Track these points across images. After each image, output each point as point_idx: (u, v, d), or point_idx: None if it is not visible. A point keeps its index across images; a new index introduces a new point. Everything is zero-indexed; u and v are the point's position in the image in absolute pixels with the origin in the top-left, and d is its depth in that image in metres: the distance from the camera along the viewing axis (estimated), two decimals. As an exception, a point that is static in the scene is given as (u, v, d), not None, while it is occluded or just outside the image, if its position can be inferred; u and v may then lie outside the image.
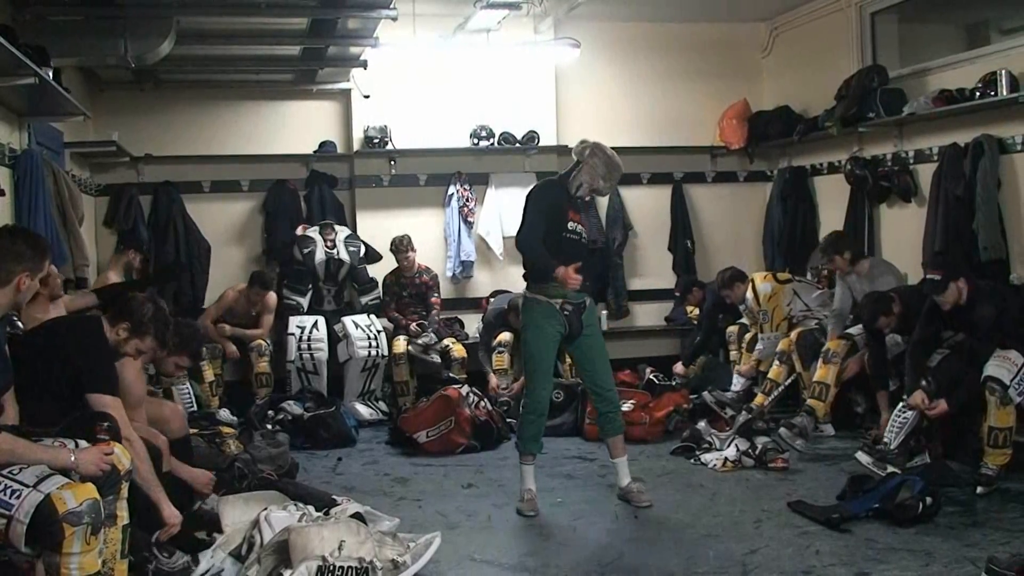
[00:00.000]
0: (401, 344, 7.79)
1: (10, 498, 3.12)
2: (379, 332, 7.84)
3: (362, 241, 8.24)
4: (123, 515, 3.55)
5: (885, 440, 5.57)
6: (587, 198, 5.34)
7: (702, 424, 6.48)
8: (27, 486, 3.15)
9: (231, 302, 7.71)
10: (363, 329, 7.80)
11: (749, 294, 7.37)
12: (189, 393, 6.71)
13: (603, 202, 8.80)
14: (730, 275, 7.52)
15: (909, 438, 5.53)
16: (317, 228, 8.11)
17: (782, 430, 6.20)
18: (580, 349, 5.31)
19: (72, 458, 3.33)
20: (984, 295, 5.40)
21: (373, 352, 7.70)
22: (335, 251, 8.07)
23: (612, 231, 8.85)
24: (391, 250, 8.00)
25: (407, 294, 8.09)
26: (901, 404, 5.61)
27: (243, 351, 7.64)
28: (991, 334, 5.27)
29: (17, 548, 3.16)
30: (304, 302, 8.01)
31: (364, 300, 8.23)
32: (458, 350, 7.91)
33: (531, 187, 5.52)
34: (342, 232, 8.19)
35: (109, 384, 3.85)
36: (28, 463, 3.24)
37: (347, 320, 7.88)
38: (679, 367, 7.87)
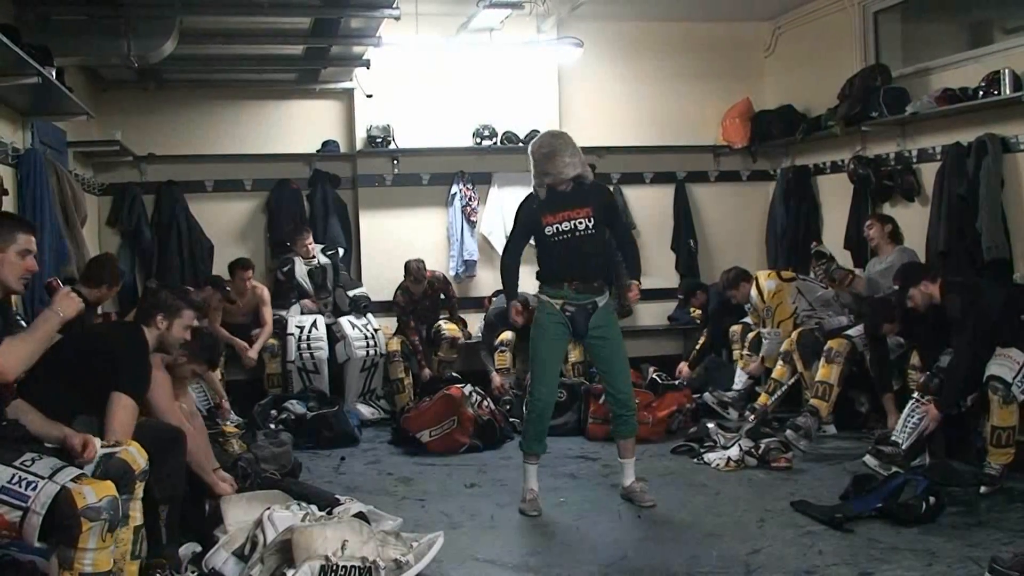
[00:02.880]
0: (395, 342, 7.77)
1: (25, 490, 3.15)
2: (376, 331, 7.83)
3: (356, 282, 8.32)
4: (136, 516, 3.57)
5: (895, 439, 5.55)
6: (585, 186, 5.12)
7: (711, 425, 6.48)
8: (42, 477, 3.18)
9: (222, 300, 7.64)
10: (360, 329, 7.79)
11: (754, 292, 7.37)
12: (204, 391, 6.71)
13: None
14: (734, 275, 7.54)
15: (918, 440, 5.52)
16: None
17: (788, 432, 6.19)
18: (596, 350, 5.27)
19: (59, 312, 3.43)
20: (952, 287, 5.42)
21: (371, 351, 7.70)
22: (315, 260, 8.09)
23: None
24: (410, 275, 7.83)
25: (422, 307, 8.03)
26: (911, 404, 5.58)
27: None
28: (963, 323, 5.27)
29: (30, 543, 3.17)
30: (286, 315, 7.93)
31: (352, 294, 8.12)
32: (450, 329, 7.93)
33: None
34: (317, 246, 8.22)
35: (136, 388, 3.90)
36: (31, 349, 3.34)
37: (343, 321, 7.88)
38: (684, 368, 7.88)
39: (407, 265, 7.86)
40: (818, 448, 6.26)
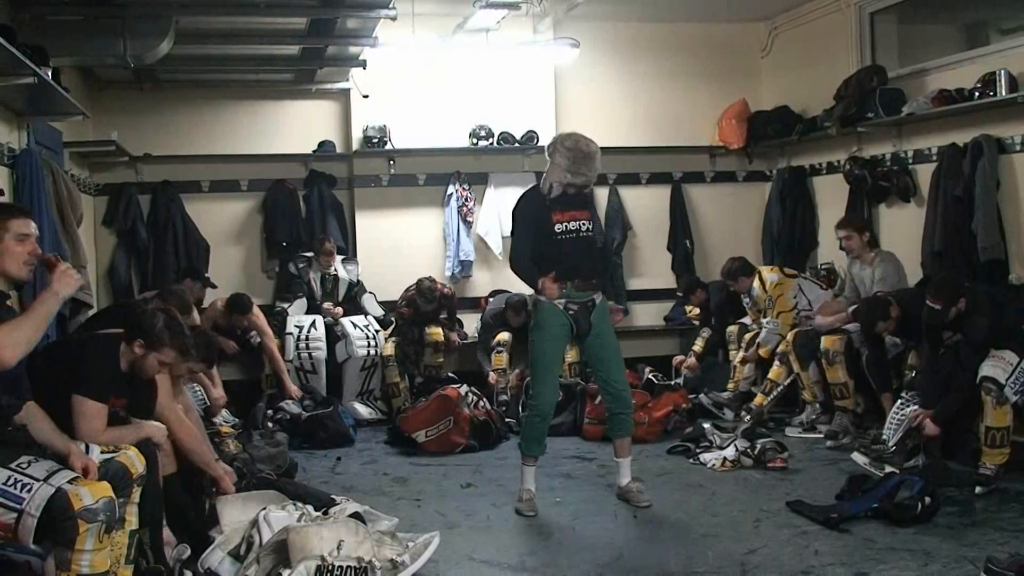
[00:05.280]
0: (390, 346, 7.76)
1: (20, 491, 3.16)
2: (377, 332, 7.84)
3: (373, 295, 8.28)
4: (132, 520, 3.56)
5: (884, 438, 5.59)
6: (585, 191, 5.19)
7: (707, 425, 6.49)
8: (37, 480, 3.20)
9: (218, 315, 7.44)
10: (361, 328, 7.80)
11: (756, 283, 7.36)
12: (201, 392, 6.69)
13: (602, 201, 8.81)
14: (739, 265, 7.48)
15: (906, 437, 5.54)
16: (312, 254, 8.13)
17: (828, 442, 6.36)
18: (592, 348, 5.26)
19: (57, 292, 3.36)
20: (979, 305, 5.35)
21: (372, 351, 7.71)
22: (331, 269, 8.08)
23: (611, 231, 8.85)
24: (423, 296, 7.69)
25: (424, 318, 7.93)
26: (900, 402, 5.63)
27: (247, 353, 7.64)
28: (984, 343, 5.26)
29: (25, 544, 3.19)
30: (289, 308, 7.90)
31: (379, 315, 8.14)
32: (434, 333, 7.84)
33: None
34: (339, 257, 8.19)
35: (96, 392, 3.81)
36: (28, 334, 3.26)
37: (345, 320, 7.88)
38: (691, 362, 7.88)
39: (420, 285, 7.72)
40: (814, 448, 6.28)
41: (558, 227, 5.06)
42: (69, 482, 3.21)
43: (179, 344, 4.06)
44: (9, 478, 3.18)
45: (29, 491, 3.16)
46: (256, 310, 7.51)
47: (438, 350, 7.85)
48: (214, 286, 7.62)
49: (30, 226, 3.54)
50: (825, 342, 6.58)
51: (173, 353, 4.05)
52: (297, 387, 7.44)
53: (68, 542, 3.16)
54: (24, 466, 3.23)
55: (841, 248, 7.06)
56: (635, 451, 5.52)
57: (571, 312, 5.11)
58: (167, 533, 4.15)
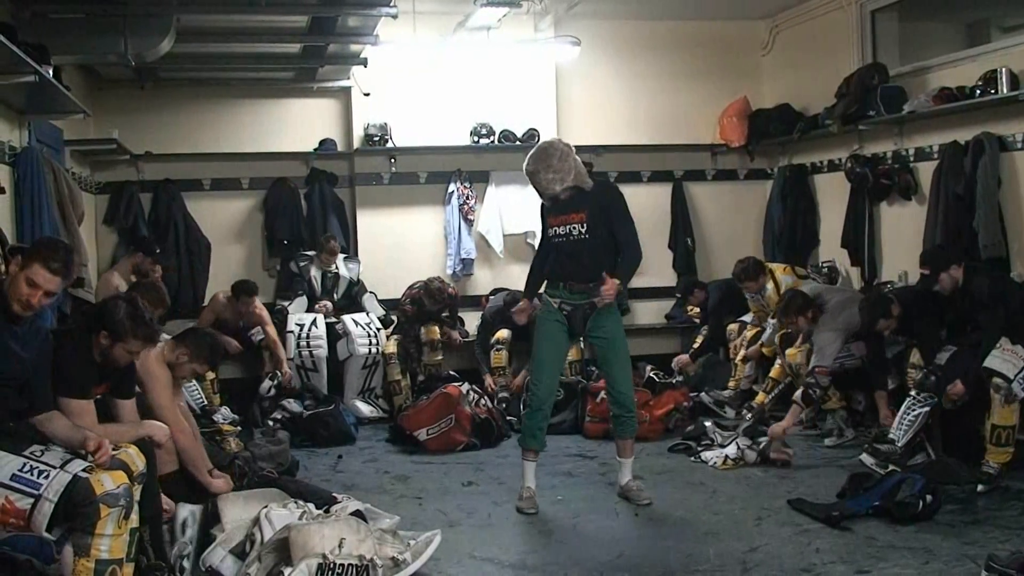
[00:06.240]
0: (392, 344, 7.77)
1: (38, 478, 3.24)
2: (379, 330, 7.84)
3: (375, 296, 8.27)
4: (133, 518, 3.57)
5: (891, 437, 5.57)
6: (584, 190, 5.18)
7: (709, 423, 6.49)
8: (54, 467, 3.28)
9: (221, 308, 7.50)
10: (363, 327, 7.79)
11: (770, 284, 7.32)
12: (198, 390, 6.68)
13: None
14: (752, 264, 7.35)
15: (915, 437, 5.53)
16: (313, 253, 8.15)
17: (826, 440, 6.40)
18: (598, 349, 5.36)
19: None
20: (976, 270, 5.46)
21: (374, 349, 7.70)
22: (332, 267, 8.08)
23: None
24: (431, 296, 7.75)
25: (427, 316, 7.96)
26: (909, 401, 5.59)
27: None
28: (993, 305, 5.27)
29: (39, 531, 3.25)
30: (290, 306, 7.91)
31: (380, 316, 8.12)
32: (429, 332, 7.85)
33: None
34: (340, 255, 8.19)
35: (77, 390, 3.81)
36: None
37: (347, 318, 7.87)
38: (685, 359, 7.84)
39: (430, 286, 7.78)
40: (815, 446, 6.28)
41: (550, 231, 5.25)
42: (84, 471, 3.29)
43: (143, 333, 4.00)
44: (25, 465, 3.25)
45: (46, 477, 3.24)
46: (258, 301, 7.53)
47: (435, 348, 7.85)
48: (167, 268, 7.60)
49: (48, 280, 3.53)
50: (790, 356, 6.61)
51: (138, 343, 4.00)
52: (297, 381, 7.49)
53: (89, 527, 3.24)
54: (38, 454, 3.31)
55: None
56: (636, 449, 5.52)
57: (565, 312, 5.20)
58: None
